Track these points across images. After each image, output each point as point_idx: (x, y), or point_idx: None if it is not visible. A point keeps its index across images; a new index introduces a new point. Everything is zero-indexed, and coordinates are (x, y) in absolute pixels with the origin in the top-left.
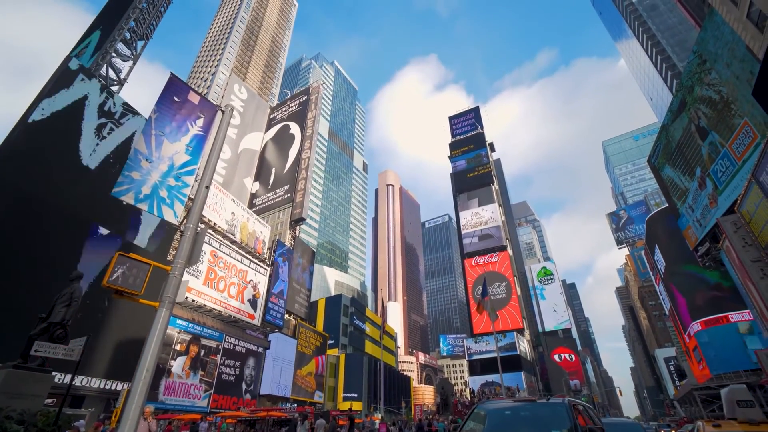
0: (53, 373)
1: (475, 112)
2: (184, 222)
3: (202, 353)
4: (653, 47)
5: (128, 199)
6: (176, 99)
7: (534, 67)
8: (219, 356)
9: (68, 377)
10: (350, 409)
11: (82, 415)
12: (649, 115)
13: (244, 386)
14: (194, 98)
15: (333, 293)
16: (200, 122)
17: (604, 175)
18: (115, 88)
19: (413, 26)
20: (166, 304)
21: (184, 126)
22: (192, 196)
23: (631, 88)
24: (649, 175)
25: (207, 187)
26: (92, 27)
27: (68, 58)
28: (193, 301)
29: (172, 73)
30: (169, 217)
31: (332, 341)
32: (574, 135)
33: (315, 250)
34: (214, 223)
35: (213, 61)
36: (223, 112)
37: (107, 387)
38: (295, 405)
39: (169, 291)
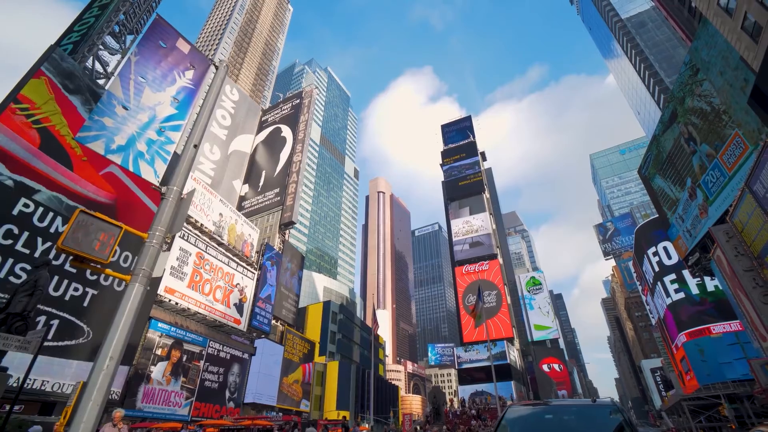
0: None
1: (467, 122)
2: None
3: (184, 359)
4: (641, 62)
5: (96, 147)
6: (162, 44)
7: (525, 82)
8: (202, 362)
9: (40, 381)
10: (344, 417)
11: (50, 423)
12: (635, 131)
13: (227, 394)
14: (184, 47)
15: (321, 299)
16: (190, 74)
17: (591, 188)
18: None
19: (409, 38)
20: (139, 278)
21: (171, 75)
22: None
23: (618, 104)
24: (635, 189)
25: (195, 146)
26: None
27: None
28: (177, 304)
29: (158, 15)
30: (148, 175)
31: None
32: (562, 148)
33: (304, 255)
34: (201, 224)
35: None
36: (216, 67)
37: None
38: (281, 414)
39: (144, 263)
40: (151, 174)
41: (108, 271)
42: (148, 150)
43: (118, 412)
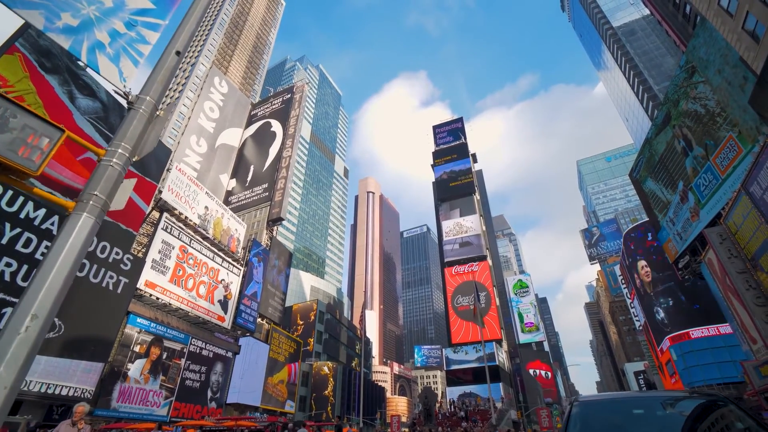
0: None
1: (458, 123)
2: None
3: (164, 356)
4: (631, 70)
5: (32, 18)
6: None
7: (515, 90)
8: (183, 360)
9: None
10: (339, 417)
11: (15, 423)
12: (621, 140)
13: (209, 393)
14: None
15: (309, 299)
16: None
17: (576, 196)
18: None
19: (404, 43)
20: (89, 206)
21: None
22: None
23: (604, 115)
24: (620, 195)
25: (178, 53)
26: None
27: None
28: (157, 299)
29: None
30: (110, 74)
31: (304, 348)
32: (549, 156)
33: (292, 253)
34: (186, 217)
35: (194, 51)
36: None
37: (50, 391)
38: (265, 415)
39: (97, 187)
40: (115, 73)
41: (38, 190)
42: (110, 43)
43: (81, 407)
